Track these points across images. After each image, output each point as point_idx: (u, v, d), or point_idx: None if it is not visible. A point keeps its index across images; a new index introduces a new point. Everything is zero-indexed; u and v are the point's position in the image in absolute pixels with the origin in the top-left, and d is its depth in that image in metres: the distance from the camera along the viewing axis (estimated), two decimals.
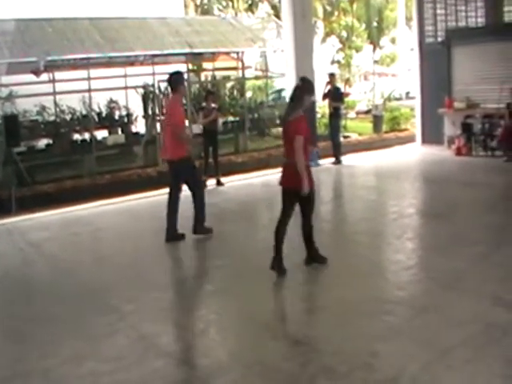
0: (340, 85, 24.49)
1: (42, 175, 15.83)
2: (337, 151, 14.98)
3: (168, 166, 8.78)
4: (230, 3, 34.91)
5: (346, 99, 23.99)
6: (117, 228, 9.93)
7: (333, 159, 14.97)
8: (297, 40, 14.68)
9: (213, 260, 7.64)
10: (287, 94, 15.52)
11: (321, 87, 15.51)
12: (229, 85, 23.51)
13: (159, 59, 20.42)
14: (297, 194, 6.50)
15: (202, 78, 24.45)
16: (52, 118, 18.99)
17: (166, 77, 8.89)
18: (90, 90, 18.29)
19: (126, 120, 20.07)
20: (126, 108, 20.23)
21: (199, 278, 7.04)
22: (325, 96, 15.25)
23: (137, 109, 20.13)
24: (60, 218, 10.93)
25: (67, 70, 19.80)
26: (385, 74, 39.47)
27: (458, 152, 14.78)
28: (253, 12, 34.49)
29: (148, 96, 19.88)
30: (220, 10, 35.13)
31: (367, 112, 28.53)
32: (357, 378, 4.31)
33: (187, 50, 20.57)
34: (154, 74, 19.79)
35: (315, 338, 5.01)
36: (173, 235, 8.40)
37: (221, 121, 18.39)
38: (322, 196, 12.32)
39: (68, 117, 19.21)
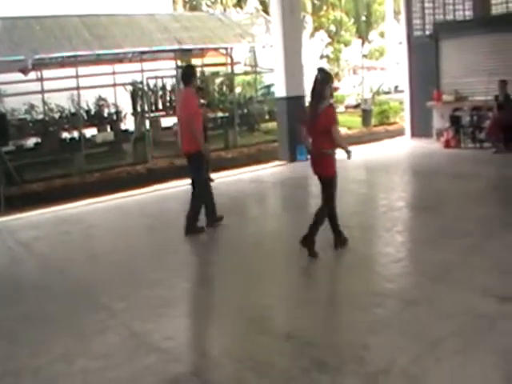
0: None
1: (30, 174, 15.79)
2: None
3: (186, 159, 8.82)
4: None
5: (335, 93, 24.00)
6: (107, 226, 9.92)
7: None
8: (285, 35, 14.68)
9: (204, 255, 7.65)
10: (276, 89, 15.53)
11: (310, 82, 15.53)
12: (218, 81, 23.47)
13: (148, 56, 20.34)
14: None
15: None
16: (40, 117, 18.91)
17: (172, 71, 9.06)
18: (78, 88, 18.22)
19: (114, 117, 20.01)
20: (115, 105, 20.17)
21: (191, 274, 7.04)
22: None
23: (126, 106, 20.07)
24: (50, 217, 10.90)
25: (55, 68, 19.73)
26: (374, 67, 39.53)
27: (447, 144, 14.84)
28: (241, 7, 34.46)
29: (137, 93, 19.84)
30: (208, 5, 35.05)
31: (356, 106, 28.56)
32: (348, 371, 4.32)
33: (176, 47, 20.49)
34: (142, 70, 19.73)
35: (306, 332, 5.01)
36: (215, 219, 8.72)
37: (210, 117, 18.36)
38: (312, 190, 12.36)
39: (57, 115, 19.13)
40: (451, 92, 15.51)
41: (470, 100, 15.10)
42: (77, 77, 18.14)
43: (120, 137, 19.00)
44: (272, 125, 19.78)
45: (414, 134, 17.19)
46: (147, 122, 19.49)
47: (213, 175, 12.94)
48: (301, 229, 8.44)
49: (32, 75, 18.58)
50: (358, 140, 19.53)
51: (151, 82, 20.13)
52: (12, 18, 19.68)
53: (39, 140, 18.48)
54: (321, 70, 7.05)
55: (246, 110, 22.16)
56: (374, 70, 39.66)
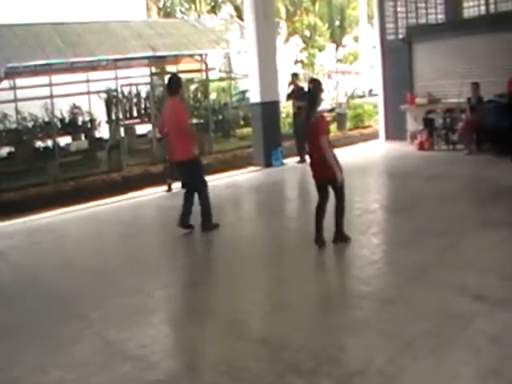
0: (304, 84, 24.59)
1: (4, 183, 15.60)
2: (301, 150, 15.01)
3: (178, 167, 9.05)
4: (193, 5, 34.82)
5: None
6: (82, 234, 9.84)
7: (297, 158, 15.02)
8: (260, 41, 14.71)
9: (179, 261, 7.60)
10: (251, 95, 15.54)
11: (284, 87, 15.59)
12: (193, 87, 23.43)
13: (122, 63, 20.26)
14: (329, 182, 7.37)
15: (166, 81, 24.31)
16: (14, 126, 18.73)
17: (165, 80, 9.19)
18: (52, 96, 18.09)
19: (89, 125, 19.89)
20: (89, 113, 20.05)
21: (165, 280, 6.99)
22: (289, 96, 15.33)
23: (100, 114, 19.96)
24: (24, 227, 10.78)
25: (29, 77, 19.57)
26: (348, 72, 39.69)
27: (421, 147, 14.96)
28: (216, 13, 34.47)
29: (111, 101, 19.73)
30: (183, 12, 35.01)
31: (331, 110, 28.65)
32: (323, 373, 4.31)
33: (150, 54, 20.44)
34: (116, 78, 19.64)
35: (281, 336, 5.00)
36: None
37: None
38: (287, 194, 12.40)
39: (30, 124, 18.97)
40: (424, 95, 15.64)
41: (443, 102, 15.24)
42: (50, 85, 18.01)
43: (94, 145, 18.88)
44: (247, 130, 19.79)
45: (388, 137, 17.30)
46: (122, 130, 19.39)
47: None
48: (276, 233, 8.48)
49: (5, 84, 18.40)
50: (333, 144, 19.55)
51: (126, 90, 20.04)
52: None
53: (13, 149, 18.30)
54: (313, 80, 7.56)
55: (220, 116, 22.16)
56: (349, 74, 39.81)
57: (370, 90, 30.20)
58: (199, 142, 8.91)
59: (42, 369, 4.86)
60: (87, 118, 20.00)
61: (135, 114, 20.21)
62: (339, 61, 34.85)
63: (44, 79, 18.35)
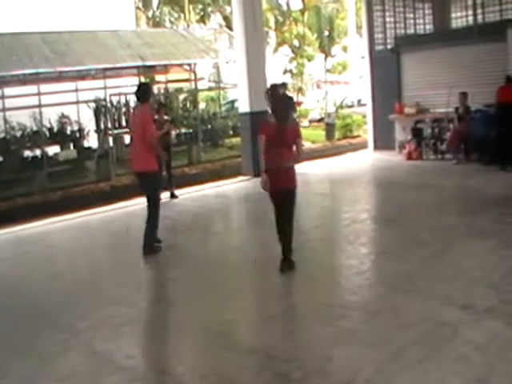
0: (293, 94, 24.69)
1: None
2: None
3: (138, 178, 8.59)
4: (182, 15, 34.92)
5: (299, 108, 24.17)
6: (70, 245, 9.79)
7: None
8: (249, 51, 14.74)
9: (167, 272, 7.59)
10: (240, 105, 15.56)
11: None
12: (182, 97, 23.45)
13: (111, 73, 20.27)
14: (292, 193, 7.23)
15: (155, 91, 24.34)
16: (1, 135, 18.64)
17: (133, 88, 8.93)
18: (40, 106, 18.03)
19: (77, 135, 19.81)
20: (78, 123, 19.99)
21: (153, 291, 6.98)
22: None
23: (89, 123, 19.91)
24: (11, 237, 10.71)
25: (16, 86, 19.52)
26: (337, 81, 39.92)
27: (409, 156, 15.01)
28: (205, 23, 34.60)
29: (100, 110, 19.70)
30: (172, 21, 35.10)
31: (320, 120, 28.76)
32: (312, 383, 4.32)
33: (139, 63, 20.47)
34: (105, 87, 19.63)
35: (269, 346, 4.99)
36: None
37: (173, 133, 18.34)
38: None
39: (18, 133, 18.87)
40: (413, 104, 15.73)
41: (432, 112, 15.32)
42: (39, 94, 17.96)
43: (83, 154, 18.83)
44: (236, 140, 19.80)
45: (376, 147, 17.38)
46: (110, 139, 19.37)
47: (177, 191, 12.97)
48: (264, 243, 8.47)
49: None
50: (322, 154, 19.69)
51: (114, 99, 20.02)
52: None
53: (0, 159, 18.20)
54: (278, 86, 7.36)
55: (209, 126, 22.17)
56: (338, 84, 40.05)
57: (359, 100, 30.32)
58: (158, 158, 8.53)
59: (28, 380, 4.83)
60: (76, 128, 19.92)
61: (124, 123, 20.18)
62: (328, 71, 35.01)
63: (32, 88, 18.31)
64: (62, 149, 19.19)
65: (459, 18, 17.93)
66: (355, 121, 24.82)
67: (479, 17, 16.19)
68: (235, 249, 8.45)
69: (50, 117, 19.06)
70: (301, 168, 15.12)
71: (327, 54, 34.63)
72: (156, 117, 13.15)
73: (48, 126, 19.14)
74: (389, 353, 4.64)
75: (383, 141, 16.91)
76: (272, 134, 6.87)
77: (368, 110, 18.07)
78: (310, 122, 30.07)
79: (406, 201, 10.50)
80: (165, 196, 12.71)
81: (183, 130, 21.36)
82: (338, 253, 7.90)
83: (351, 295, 6.01)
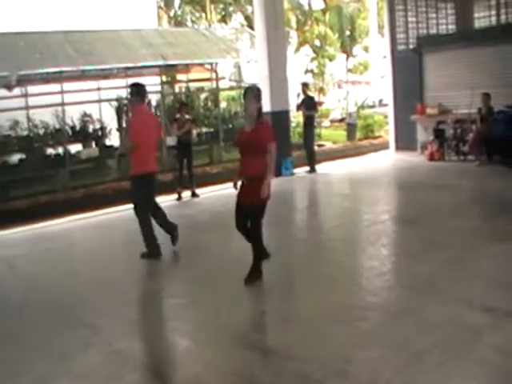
0: (314, 94, 24.65)
1: (15, 191, 15.67)
2: (311, 160, 15.03)
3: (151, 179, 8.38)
4: (204, 14, 34.97)
5: (320, 108, 24.13)
6: (90, 242, 9.84)
7: (307, 168, 15.01)
8: (270, 50, 14.73)
9: (186, 272, 7.58)
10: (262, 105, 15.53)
11: (294, 97, 15.60)
12: (203, 96, 23.51)
13: (133, 72, 20.38)
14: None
15: (176, 90, 24.44)
16: (25, 133, 18.83)
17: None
18: (63, 104, 18.19)
19: (99, 133, 19.98)
20: (100, 121, 20.14)
21: (172, 290, 6.98)
22: (299, 106, 15.32)
23: (110, 122, 20.04)
24: (33, 234, 10.81)
25: (40, 84, 19.69)
26: (358, 82, 39.78)
27: (431, 157, 14.91)
28: (226, 23, 34.61)
29: (122, 109, 19.82)
30: (193, 21, 35.17)
31: (341, 120, 28.71)
32: None
33: (161, 62, 20.56)
34: (127, 86, 19.69)
35: (289, 347, 4.98)
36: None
37: (195, 132, 18.39)
38: (296, 204, 12.39)
39: (41, 131, 19.07)
40: (435, 105, 15.63)
41: (454, 113, 15.21)
42: (62, 93, 18.12)
43: (105, 153, 18.96)
44: None
45: (398, 148, 17.28)
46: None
47: (198, 190, 13.01)
48: (282, 243, 8.46)
49: (16, 91, 18.53)
50: (343, 154, 19.64)
51: None
52: None
53: (24, 156, 18.39)
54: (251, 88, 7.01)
55: (230, 125, 22.20)
56: (359, 84, 39.91)
57: (380, 100, 30.23)
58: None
59: (49, 378, 4.86)
60: (98, 126, 20.08)
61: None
62: (349, 71, 34.88)
63: (55, 87, 18.46)
64: (84, 147, 19.35)
65: (482, 18, 17.76)
66: (376, 121, 24.73)
67: (502, 17, 16.05)
68: None
69: (73, 115, 19.23)
70: (322, 168, 15.24)
71: (348, 53, 34.47)
72: (177, 116, 13.25)
73: (70, 124, 19.31)
74: (409, 355, 4.61)
75: (405, 141, 16.81)
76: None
77: (389, 110, 17.97)
78: (331, 121, 30.04)
79: (427, 202, 10.43)
80: (186, 195, 12.78)
81: (204, 130, 21.41)
82: (359, 253, 7.86)
83: (372, 296, 5.98)
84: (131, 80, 19.88)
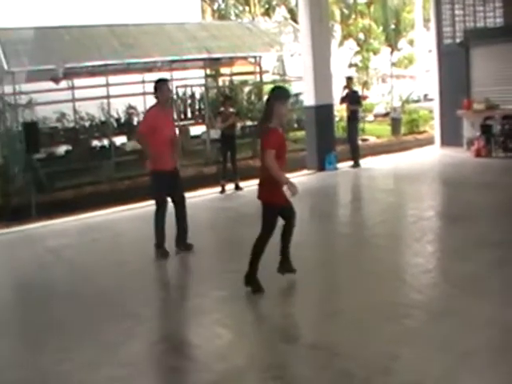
0: (358, 88, 24.47)
1: (61, 182, 15.96)
2: (355, 154, 14.91)
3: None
4: (247, 8, 34.97)
5: (364, 102, 23.94)
6: (135, 233, 9.94)
7: (351, 162, 14.91)
8: (314, 44, 14.64)
9: (229, 264, 7.61)
10: (305, 98, 15.51)
11: (338, 91, 15.50)
12: (246, 89, 23.53)
13: (177, 65, 20.51)
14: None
15: (220, 83, 24.52)
16: (71, 125, 19.16)
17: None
18: (108, 97, 18.46)
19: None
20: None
21: (215, 282, 7.01)
22: (342, 100, 15.21)
23: None
24: (79, 224, 10.98)
25: (86, 77, 19.98)
26: (403, 76, 39.29)
27: (478, 154, 14.64)
28: (270, 16, 34.54)
29: None
30: (237, 14, 35.19)
31: (385, 115, 28.43)
32: (377, 382, 4.26)
33: (205, 55, 20.65)
34: (172, 79, 19.84)
35: (333, 342, 4.96)
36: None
37: (239, 125, 18.41)
38: (340, 199, 12.32)
39: (87, 123, 19.36)
40: (482, 100, 15.32)
41: (502, 108, 14.89)
42: (107, 85, 18.37)
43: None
44: (301, 133, 19.74)
45: (443, 143, 17.00)
46: (176, 131, 19.59)
47: (241, 183, 13.03)
48: (325, 238, 8.43)
49: (63, 84, 18.83)
50: (387, 149, 19.45)
51: (180, 91, 20.26)
52: (43, 27, 19.99)
53: (70, 148, 18.70)
54: (274, 89, 6.69)
55: None
56: (403, 78, 39.43)
57: (426, 95, 29.85)
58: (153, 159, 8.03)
59: (93, 365, 4.93)
60: (142, 118, 20.26)
61: (189, 115, 20.41)
62: (394, 64, 34.48)
63: (101, 80, 18.71)
64: (128, 139, 19.55)
65: None
66: (421, 116, 24.43)
67: None
68: (297, 243, 8.40)
69: (118, 107, 19.46)
70: (366, 163, 15.11)
71: (393, 47, 34.08)
72: (221, 109, 13.30)
73: (115, 116, 19.55)
74: (456, 355, 4.53)
75: (450, 137, 16.54)
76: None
77: (435, 105, 17.69)
78: (375, 116, 29.78)
79: (473, 199, 10.25)
80: (229, 188, 12.82)
81: (248, 123, 21.43)
82: (404, 250, 7.78)
83: (417, 294, 5.91)
84: (175, 73, 20.11)
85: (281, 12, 35.43)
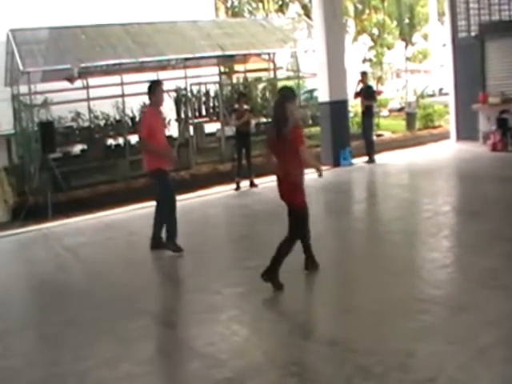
0: (372, 83, 24.35)
1: (77, 180, 16.05)
2: (370, 150, 14.87)
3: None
4: (261, 4, 34.90)
5: (379, 97, 23.83)
6: (150, 232, 9.95)
7: (366, 158, 14.86)
8: (328, 40, 14.61)
9: (245, 261, 7.61)
10: (319, 94, 15.48)
11: (353, 86, 15.45)
12: (260, 86, 23.50)
13: (191, 62, 20.52)
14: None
15: (234, 80, 24.51)
16: (86, 124, 19.25)
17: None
18: (123, 95, 18.51)
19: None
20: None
21: (230, 279, 7.02)
22: (357, 94, 15.16)
23: (169, 112, 20.23)
24: (95, 223, 11.04)
25: (100, 76, 20.08)
26: (417, 70, 39.12)
27: (494, 148, 14.52)
28: (283, 12, 34.43)
29: (180, 99, 20.00)
30: (250, 11, 35.14)
31: (400, 110, 28.31)
32: (393, 379, 4.25)
33: (219, 53, 20.64)
34: (186, 77, 19.90)
35: (350, 338, 4.95)
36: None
37: (253, 122, 18.40)
38: (355, 195, 12.29)
39: (102, 122, 19.45)
40: (497, 94, 15.21)
41: None
42: (121, 84, 18.42)
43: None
44: (315, 129, 19.70)
45: (459, 138, 16.90)
46: (191, 128, 19.65)
47: (256, 180, 13.03)
48: (341, 235, 8.41)
49: (78, 83, 18.93)
50: (402, 144, 19.37)
51: (195, 89, 20.28)
52: (58, 27, 20.08)
53: (85, 147, 18.79)
54: (280, 90, 6.84)
55: None
56: (418, 72, 39.24)
57: (441, 89, 29.64)
58: (169, 157, 8.39)
59: (110, 363, 4.96)
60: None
61: (204, 112, 20.43)
62: (408, 59, 34.29)
63: (115, 78, 18.77)
64: None
65: None
66: (436, 110, 24.26)
67: None
68: (313, 238, 8.37)
69: (132, 106, 19.51)
70: (381, 158, 15.05)
71: (407, 42, 33.89)
72: (236, 106, 13.32)
73: (130, 115, 19.60)
74: (473, 350, 4.51)
75: (466, 131, 16.43)
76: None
77: (450, 99, 17.58)
78: (390, 111, 29.66)
79: (490, 194, 10.18)
80: (244, 185, 12.83)
81: (262, 120, 21.41)
82: (420, 245, 7.74)
83: (434, 289, 5.88)
84: (189, 71, 20.13)
85: (294, 8, 35.32)
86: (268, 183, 13.19)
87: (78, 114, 19.17)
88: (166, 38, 20.37)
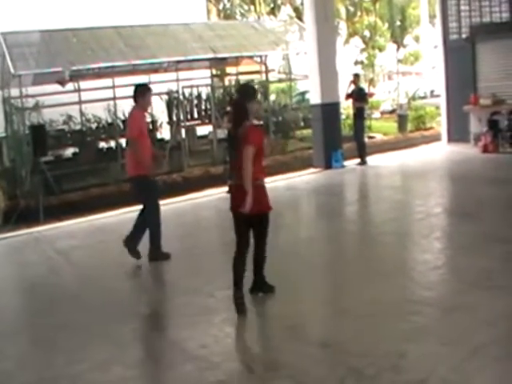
0: (364, 85, 24.42)
1: (68, 184, 16.00)
2: (361, 152, 14.89)
3: (129, 183, 8.39)
4: (252, 7, 34.95)
5: (370, 99, 23.90)
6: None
7: (358, 160, 14.88)
8: (320, 42, 14.63)
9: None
10: (311, 96, 15.50)
11: (344, 88, 15.48)
12: None
13: (183, 65, 20.55)
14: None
15: (226, 83, 24.52)
16: (78, 127, 19.21)
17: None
18: (114, 98, 18.47)
19: (150, 127, 20.15)
20: (151, 115, 20.33)
21: (222, 282, 7.00)
22: (348, 96, 15.19)
23: (161, 115, 20.23)
24: (87, 226, 11.01)
25: (92, 79, 20.04)
26: (409, 72, 39.22)
27: (485, 149, 14.57)
28: (275, 15, 34.50)
29: (172, 102, 19.99)
30: (242, 13, 35.18)
31: (392, 112, 28.37)
32: (385, 380, 4.25)
33: (211, 55, 20.66)
34: (178, 80, 19.90)
35: (342, 340, 4.96)
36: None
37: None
38: (347, 197, 12.31)
39: (94, 125, 19.40)
40: (488, 96, 15.26)
41: (508, 103, 14.83)
42: (113, 87, 18.38)
43: (156, 146, 19.14)
44: (307, 132, 19.73)
45: (450, 139, 16.95)
46: (183, 131, 19.64)
47: None
48: (333, 237, 8.41)
49: (69, 86, 18.90)
50: (394, 146, 19.42)
51: (186, 91, 20.28)
52: (49, 30, 20.06)
53: (77, 150, 18.75)
54: (240, 87, 6.60)
55: (280, 118, 22.17)
56: (410, 74, 39.34)
57: (432, 91, 29.74)
58: (156, 162, 8.20)
59: (102, 366, 4.95)
60: (149, 120, 20.28)
61: (196, 115, 20.43)
62: (400, 61, 34.39)
63: (107, 81, 18.74)
64: None
65: None
66: (428, 112, 24.34)
67: None
68: (305, 241, 8.42)
69: (124, 109, 19.47)
70: (373, 160, 15.08)
71: (399, 44, 33.98)
72: (228, 109, 13.31)
73: (122, 118, 19.55)
74: (465, 351, 4.53)
75: (457, 133, 16.48)
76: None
77: (442, 101, 17.63)
78: (382, 113, 29.72)
79: (481, 195, 10.21)
80: None
81: (254, 122, 21.40)
82: (412, 247, 7.75)
83: (426, 291, 5.90)
84: (181, 73, 20.13)
85: (286, 11, 35.39)
86: None
87: (70, 117, 19.13)
88: (158, 41, 20.38)
